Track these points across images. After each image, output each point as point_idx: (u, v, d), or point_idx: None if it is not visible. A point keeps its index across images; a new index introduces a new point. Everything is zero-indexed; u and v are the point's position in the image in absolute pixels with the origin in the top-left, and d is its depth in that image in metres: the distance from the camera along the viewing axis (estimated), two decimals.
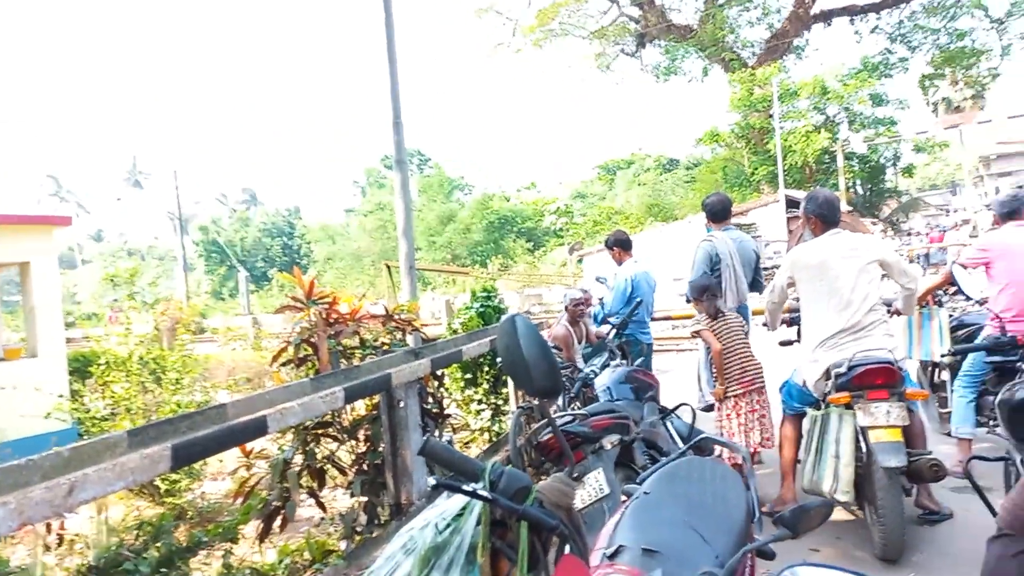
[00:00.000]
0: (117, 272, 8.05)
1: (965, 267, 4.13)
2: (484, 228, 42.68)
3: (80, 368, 8.69)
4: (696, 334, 4.65)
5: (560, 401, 4.33)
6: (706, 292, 4.54)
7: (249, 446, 3.50)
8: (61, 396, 6.62)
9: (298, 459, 3.53)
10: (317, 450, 3.66)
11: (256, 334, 14.10)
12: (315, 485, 3.64)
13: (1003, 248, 4.15)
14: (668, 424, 3.68)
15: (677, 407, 3.55)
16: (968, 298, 4.04)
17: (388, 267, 23.05)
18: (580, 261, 29.85)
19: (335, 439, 3.79)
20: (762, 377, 4.49)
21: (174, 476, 5.33)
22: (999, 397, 2.89)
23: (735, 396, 4.40)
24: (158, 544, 2.76)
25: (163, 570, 2.65)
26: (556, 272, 34.23)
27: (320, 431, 3.70)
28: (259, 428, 2.59)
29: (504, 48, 35.69)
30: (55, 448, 2.04)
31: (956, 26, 31.69)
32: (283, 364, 3.90)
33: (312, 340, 3.77)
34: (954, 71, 33.64)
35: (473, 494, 1.24)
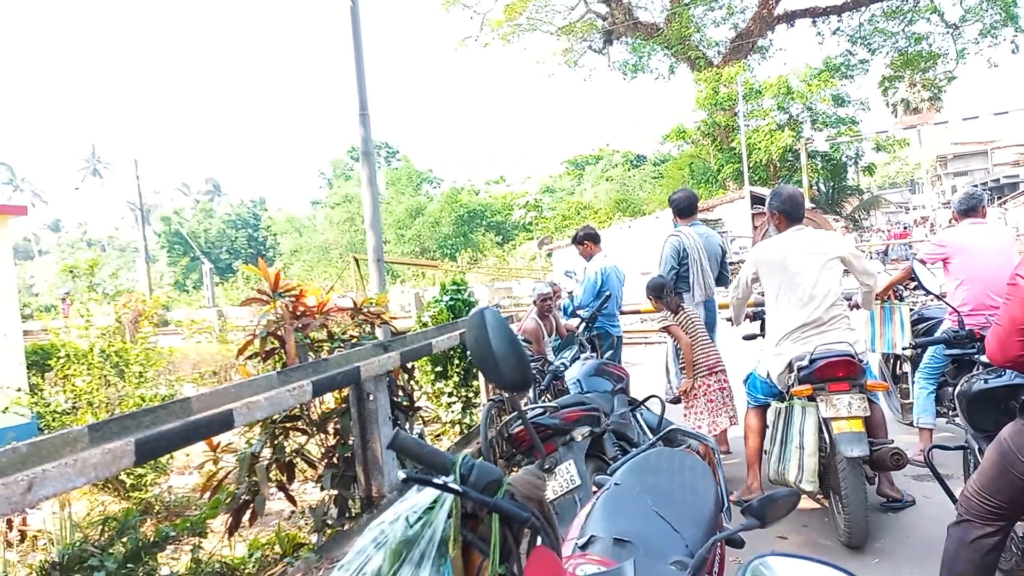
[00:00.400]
0: (76, 263, 7.82)
1: (924, 263, 4.23)
2: (453, 221, 42.52)
3: (39, 361, 8.46)
4: (665, 330, 4.74)
5: (531, 394, 4.34)
6: (664, 290, 4.66)
7: (216, 440, 3.46)
8: (19, 390, 6.45)
9: (266, 453, 3.49)
10: (286, 444, 3.62)
11: (221, 327, 13.85)
12: (284, 479, 3.60)
13: (959, 245, 4.26)
14: (638, 416, 3.71)
15: (646, 399, 3.58)
16: (928, 292, 4.13)
17: (356, 260, 22.86)
18: (549, 255, 29.94)
19: (304, 432, 3.75)
20: (721, 360, 4.66)
21: (140, 470, 5.23)
22: (958, 388, 2.97)
23: (701, 378, 4.53)
24: (124, 539, 2.71)
25: (130, 565, 2.60)
26: (525, 266, 34.31)
27: (288, 425, 3.66)
28: (225, 422, 2.56)
29: (472, 42, 35.37)
30: (12, 443, 1.99)
31: (914, 30, 32.38)
32: (249, 357, 3.85)
33: (279, 333, 3.72)
34: (912, 74, 34.38)
35: (443, 487, 1.23)
